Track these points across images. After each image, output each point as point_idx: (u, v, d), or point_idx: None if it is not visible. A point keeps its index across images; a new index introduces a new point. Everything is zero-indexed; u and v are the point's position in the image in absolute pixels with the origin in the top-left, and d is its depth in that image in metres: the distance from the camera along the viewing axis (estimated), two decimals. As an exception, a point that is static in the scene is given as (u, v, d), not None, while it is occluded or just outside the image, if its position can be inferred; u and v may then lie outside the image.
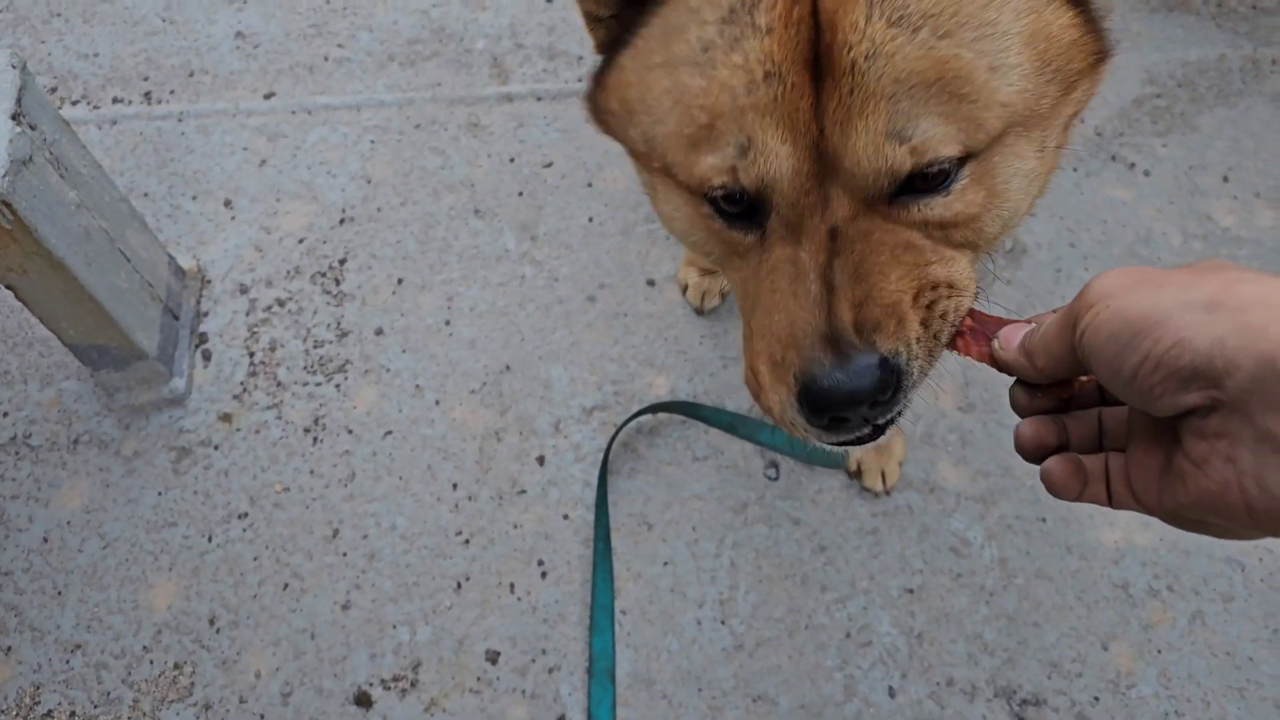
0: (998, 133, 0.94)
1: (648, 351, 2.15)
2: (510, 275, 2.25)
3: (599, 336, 2.17)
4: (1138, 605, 1.88)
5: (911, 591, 1.90)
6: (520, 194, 2.36)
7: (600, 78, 1.14)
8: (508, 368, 2.14)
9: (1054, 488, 0.80)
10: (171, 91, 2.55)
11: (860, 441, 1.07)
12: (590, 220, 2.32)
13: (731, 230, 1.03)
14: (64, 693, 1.83)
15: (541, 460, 2.04)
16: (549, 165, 2.40)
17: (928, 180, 0.94)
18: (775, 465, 2.02)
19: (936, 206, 0.96)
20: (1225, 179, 2.38)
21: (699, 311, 2.17)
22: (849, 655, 1.85)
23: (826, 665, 1.84)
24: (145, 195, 2.38)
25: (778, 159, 0.93)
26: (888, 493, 1.98)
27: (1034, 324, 0.84)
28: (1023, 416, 0.86)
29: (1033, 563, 1.92)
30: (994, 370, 0.90)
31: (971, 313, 0.98)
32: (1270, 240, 2.29)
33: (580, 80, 2.54)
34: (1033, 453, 0.83)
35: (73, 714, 1.81)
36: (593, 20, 1.12)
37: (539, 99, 2.51)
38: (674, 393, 2.09)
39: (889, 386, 0.94)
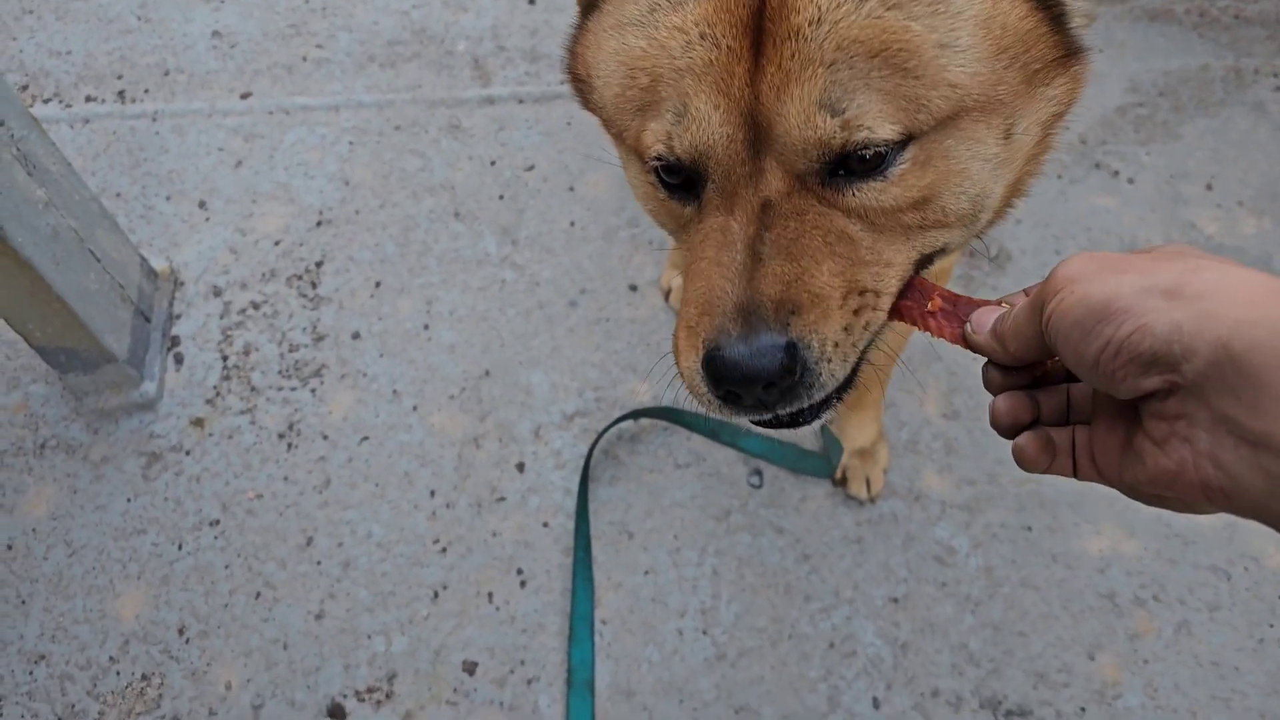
0: (945, 114, 0.91)
1: (630, 357, 2.12)
2: (490, 279, 2.22)
3: (580, 342, 2.14)
4: (1124, 615, 1.86)
5: (896, 601, 1.87)
6: (501, 197, 2.33)
7: (573, 43, 1.12)
8: (487, 373, 2.10)
9: (1025, 462, 0.82)
10: (146, 90, 2.50)
11: (781, 425, 1.04)
12: (572, 224, 2.29)
13: (672, 201, 1.01)
14: (27, 705, 1.77)
15: (521, 467, 2.00)
16: (531, 168, 2.37)
17: (863, 163, 0.91)
18: (759, 473, 1.99)
19: (871, 192, 0.93)
20: (1208, 187, 2.38)
21: (682, 317, 2.14)
22: (833, 666, 1.82)
23: (810, 676, 1.81)
24: (118, 195, 2.33)
25: (710, 124, 0.91)
26: (872, 500, 1.96)
27: (1005, 306, 0.84)
28: (994, 394, 0.86)
29: (1018, 571, 1.90)
30: (973, 362, 0.88)
31: (944, 293, 0.96)
32: (1253, 248, 2.28)
33: (564, 83, 2.52)
34: (1008, 428, 0.84)
35: (36, 727, 1.76)
36: None
37: (521, 101, 2.48)
38: (656, 399, 2.06)
39: (791, 374, 0.90)
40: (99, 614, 1.86)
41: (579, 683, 1.77)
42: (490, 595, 1.88)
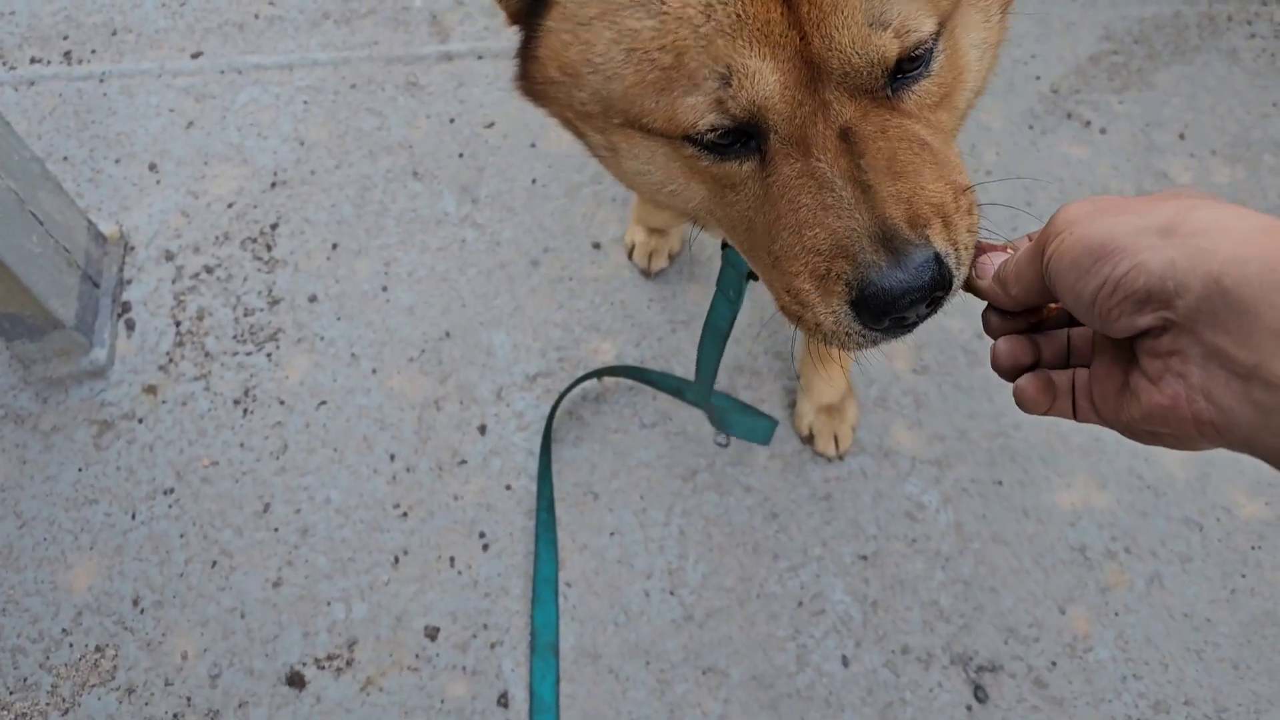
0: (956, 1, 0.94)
1: (593, 316, 2.07)
2: (450, 239, 2.16)
3: (543, 301, 2.09)
4: (1095, 568, 1.83)
5: (865, 558, 1.85)
6: (461, 155, 2.27)
7: (527, 51, 1.06)
8: (447, 334, 2.05)
9: (1025, 403, 0.83)
10: (93, 51, 2.43)
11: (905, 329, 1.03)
12: (534, 182, 2.23)
13: (725, 164, 0.97)
14: (-23, 679, 1.73)
15: (483, 429, 1.96)
16: (490, 126, 2.31)
17: (914, 63, 0.93)
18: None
19: (924, 90, 0.94)
20: (1182, 136, 2.34)
21: (646, 274, 2.10)
22: (801, 624, 1.79)
23: (778, 635, 1.78)
24: (65, 159, 2.26)
25: (763, 79, 0.88)
26: (840, 458, 1.92)
27: (1010, 250, 0.86)
28: (994, 338, 0.87)
29: (989, 526, 1.87)
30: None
31: None
32: (1226, 197, 2.23)
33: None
34: (1008, 370, 0.85)
35: (-14, 702, 1.72)
36: None
37: (480, 57, 2.42)
38: (620, 358, 2.02)
39: (943, 284, 0.90)
40: (50, 586, 1.82)
41: (543, 646, 1.74)
42: (452, 559, 1.84)
